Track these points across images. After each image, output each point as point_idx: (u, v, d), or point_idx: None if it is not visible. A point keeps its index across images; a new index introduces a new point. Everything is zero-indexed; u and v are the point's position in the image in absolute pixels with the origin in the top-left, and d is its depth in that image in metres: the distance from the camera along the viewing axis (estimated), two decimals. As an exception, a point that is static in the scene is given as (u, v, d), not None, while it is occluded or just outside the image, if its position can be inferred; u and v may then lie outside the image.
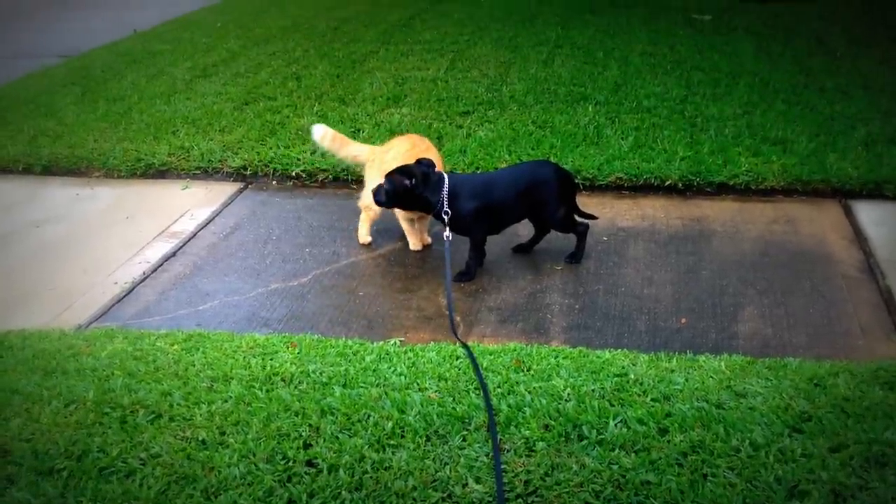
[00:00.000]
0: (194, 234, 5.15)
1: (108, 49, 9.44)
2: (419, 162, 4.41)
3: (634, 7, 10.33)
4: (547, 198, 4.49)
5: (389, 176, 4.36)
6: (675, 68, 7.69)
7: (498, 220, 4.56)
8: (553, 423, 3.12)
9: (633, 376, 3.42)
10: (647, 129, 6.22)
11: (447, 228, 4.36)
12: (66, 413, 3.24)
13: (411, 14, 10.29)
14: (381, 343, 3.84)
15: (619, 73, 7.58)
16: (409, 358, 3.65)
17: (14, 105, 7.33)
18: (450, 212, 4.34)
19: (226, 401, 3.31)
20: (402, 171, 4.35)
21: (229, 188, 5.80)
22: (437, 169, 4.46)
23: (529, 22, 9.68)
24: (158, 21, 10.76)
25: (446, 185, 4.34)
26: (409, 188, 4.31)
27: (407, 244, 4.88)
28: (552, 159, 5.70)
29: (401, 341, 3.90)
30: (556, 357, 3.63)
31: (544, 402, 3.24)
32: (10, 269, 4.79)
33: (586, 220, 4.70)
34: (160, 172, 6.02)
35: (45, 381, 3.46)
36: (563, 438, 3.05)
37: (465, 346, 3.72)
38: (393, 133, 6.28)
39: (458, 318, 4.18)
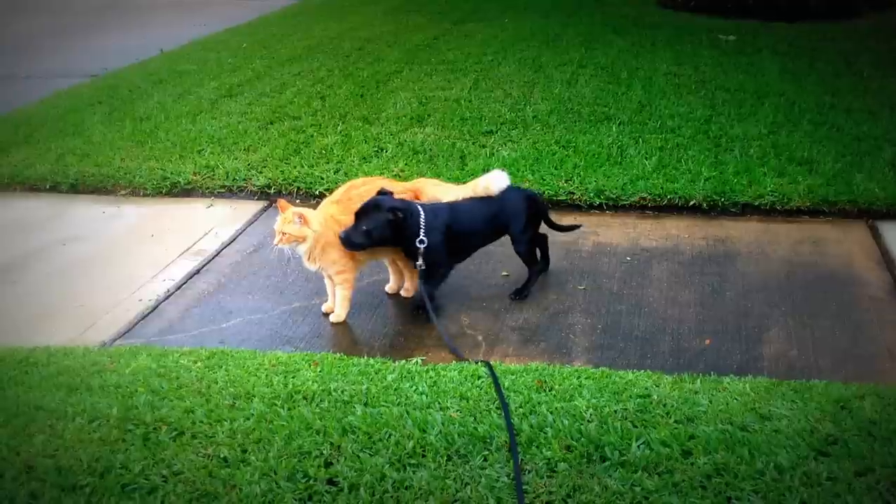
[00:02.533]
0: (218, 253, 5.19)
1: (136, 69, 9.56)
2: (382, 193, 4.16)
3: (658, 27, 10.33)
4: (513, 225, 4.40)
5: (366, 212, 4.07)
6: (700, 88, 7.67)
7: (465, 248, 4.43)
8: (575, 443, 3.10)
9: (656, 397, 3.39)
10: (671, 149, 6.20)
11: (420, 259, 4.17)
12: (89, 429, 3.26)
13: (435, 34, 10.35)
14: (403, 362, 3.83)
15: (643, 92, 7.57)
16: (430, 377, 3.64)
17: (43, 123, 7.43)
18: (425, 240, 4.14)
19: (248, 418, 3.31)
20: (381, 204, 4.07)
21: (253, 207, 5.84)
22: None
23: (553, 42, 9.71)
24: (185, 41, 10.89)
25: (423, 216, 4.16)
26: (393, 221, 4.06)
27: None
28: (575, 179, 5.70)
29: (422, 360, 3.89)
30: (579, 377, 3.61)
31: (566, 422, 3.22)
32: (37, 287, 4.84)
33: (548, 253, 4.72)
34: (185, 191, 6.07)
35: (70, 398, 3.48)
36: (586, 459, 3.03)
37: (487, 365, 3.70)
38: (416, 153, 6.31)
39: (479, 337, 4.17)
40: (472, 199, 4.38)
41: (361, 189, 4.44)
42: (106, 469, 3.02)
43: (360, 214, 4.09)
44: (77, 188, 6.20)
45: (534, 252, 4.59)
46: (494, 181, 4.38)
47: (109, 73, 9.44)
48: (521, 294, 4.53)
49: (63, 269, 5.05)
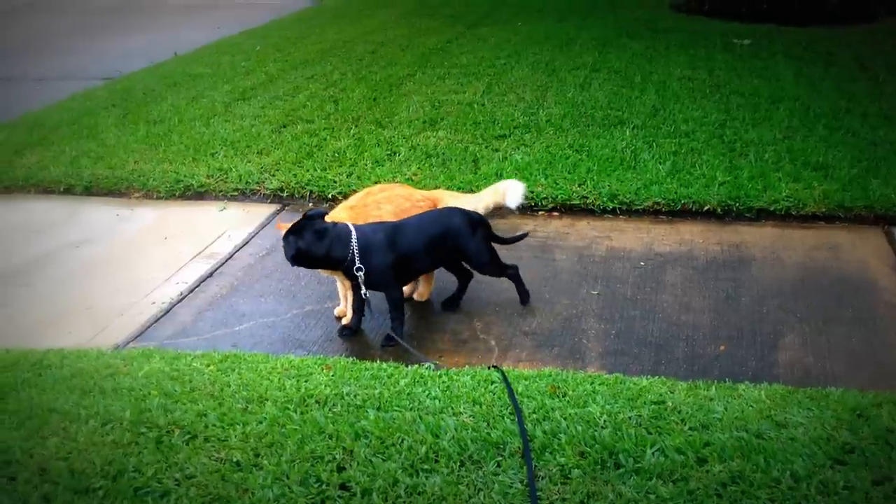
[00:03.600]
0: (231, 256, 5.19)
1: (150, 72, 9.60)
2: (307, 216, 3.96)
3: (672, 31, 10.30)
4: (464, 246, 4.23)
5: (284, 237, 3.97)
6: (714, 92, 7.63)
7: (408, 271, 4.23)
8: (589, 450, 3.08)
9: (670, 404, 3.37)
10: (685, 153, 6.17)
11: (363, 287, 4.05)
12: (102, 432, 3.26)
13: (448, 38, 10.35)
14: (416, 366, 3.82)
15: (657, 97, 7.54)
16: (443, 382, 3.63)
17: (57, 126, 7.47)
18: (363, 267, 3.99)
19: (260, 422, 3.31)
20: (292, 229, 3.94)
21: (266, 210, 5.85)
22: (343, 221, 4.11)
23: (566, 46, 9.69)
24: (199, 44, 10.93)
25: (355, 238, 3.98)
26: (302, 249, 3.92)
27: (441, 269, 4.83)
28: (589, 183, 5.68)
29: (435, 365, 3.88)
30: (593, 383, 3.58)
31: (580, 428, 3.20)
32: (50, 289, 4.86)
33: (513, 266, 4.45)
34: (198, 194, 6.08)
35: (83, 400, 3.48)
36: (600, 466, 3.01)
37: (498, 369, 3.69)
38: (429, 156, 6.30)
39: (492, 343, 4.16)
40: (415, 220, 4.21)
41: (378, 196, 4.44)
42: (119, 472, 3.02)
43: (290, 233, 3.96)
44: (91, 191, 6.22)
45: (499, 263, 4.37)
46: (512, 189, 4.35)
47: (124, 76, 9.48)
48: (522, 300, 4.48)
49: (76, 271, 5.07)
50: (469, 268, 4.43)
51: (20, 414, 3.39)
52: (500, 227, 5.34)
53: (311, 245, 3.93)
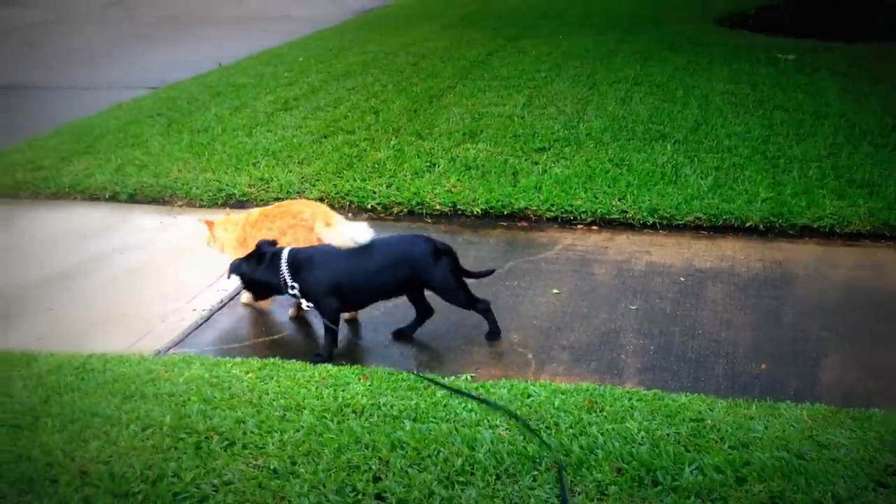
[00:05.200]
0: (271, 264, 5.23)
1: (194, 82, 9.74)
2: (261, 244, 4.26)
3: (715, 45, 10.23)
4: (428, 275, 4.15)
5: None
6: (757, 108, 7.56)
7: (356, 296, 4.23)
8: (626, 466, 3.06)
9: (709, 422, 3.33)
10: (727, 168, 6.12)
11: (303, 300, 4.18)
12: (143, 437, 3.30)
13: (489, 51, 10.38)
14: (452, 378, 3.82)
15: (699, 111, 7.49)
16: (479, 394, 3.63)
17: (103, 134, 7.60)
18: (296, 286, 4.13)
19: (298, 430, 3.33)
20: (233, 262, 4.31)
21: (306, 219, 5.88)
22: (275, 245, 4.28)
23: (607, 59, 9.67)
24: (242, 55, 11.07)
25: (284, 260, 4.14)
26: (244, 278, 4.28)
27: (477, 281, 4.82)
28: (629, 198, 5.65)
29: (472, 377, 3.87)
30: (630, 399, 3.56)
31: (617, 444, 3.18)
32: (94, 294, 4.94)
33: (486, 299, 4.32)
34: (240, 202, 6.14)
35: (124, 405, 3.53)
36: (637, 483, 2.98)
37: (421, 376, 3.70)
38: (469, 168, 6.31)
39: (529, 356, 4.15)
40: (376, 246, 4.17)
41: (272, 212, 4.60)
42: (158, 477, 3.05)
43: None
44: (135, 198, 6.32)
45: (469, 295, 4.25)
46: (352, 232, 4.18)
47: (169, 86, 9.62)
48: (492, 335, 4.30)
49: (120, 277, 5.15)
50: (438, 299, 4.31)
51: (63, 417, 3.44)
52: (539, 240, 5.35)
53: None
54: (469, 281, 4.26)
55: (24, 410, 3.49)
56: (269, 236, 4.39)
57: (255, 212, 4.68)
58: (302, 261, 4.15)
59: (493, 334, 4.30)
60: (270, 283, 4.21)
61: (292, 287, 4.14)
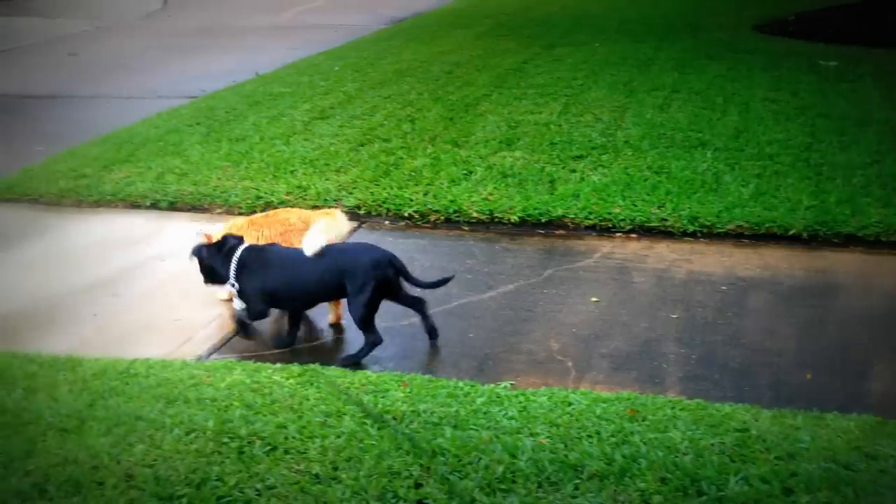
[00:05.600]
0: (310, 271, 5.25)
1: (232, 91, 9.82)
2: (225, 237, 4.44)
3: (755, 52, 10.14)
4: (350, 287, 4.13)
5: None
6: (799, 115, 7.47)
7: (290, 298, 4.32)
8: (670, 476, 3.03)
9: (754, 432, 3.29)
10: (768, 176, 6.05)
11: (237, 298, 4.39)
12: (186, 441, 3.33)
13: (524, 58, 10.36)
14: (492, 385, 3.81)
15: (739, 118, 7.42)
16: (519, 402, 3.61)
17: (144, 143, 7.69)
18: (237, 284, 4.29)
19: (339, 436, 3.34)
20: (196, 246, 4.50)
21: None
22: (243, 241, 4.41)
23: (645, 66, 9.61)
24: (279, 64, 11.15)
25: (236, 256, 4.28)
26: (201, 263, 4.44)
27: (516, 288, 4.80)
28: (668, 205, 5.60)
29: (512, 384, 3.86)
30: (673, 408, 3.53)
31: (660, 454, 3.15)
32: (137, 300, 4.99)
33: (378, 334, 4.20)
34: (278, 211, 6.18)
35: (168, 409, 3.57)
36: (681, 493, 2.95)
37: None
38: (506, 176, 6.30)
39: (569, 364, 4.12)
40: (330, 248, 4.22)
41: (262, 220, 4.76)
42: (202, 481, 3.08)
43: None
44: (175, 206, 6.38)
45: (369, 321, 4.18)
46: (307, 241, 4.19)
47: (207, 95, 9.72)
48: (350, 361, 4.17)
49: (162, 283, 5.20)
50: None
51: (108, 421, 3.48)
52: (577, 248, 5.32)
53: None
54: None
55: (70, 414, 3.53)
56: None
57: (240, 220, 4.86)
58: (249, 260, 4.28)
59: (347, 361, 4.18)
60: (219, 273, 4.37)
61: (232, 284, 4.31)
